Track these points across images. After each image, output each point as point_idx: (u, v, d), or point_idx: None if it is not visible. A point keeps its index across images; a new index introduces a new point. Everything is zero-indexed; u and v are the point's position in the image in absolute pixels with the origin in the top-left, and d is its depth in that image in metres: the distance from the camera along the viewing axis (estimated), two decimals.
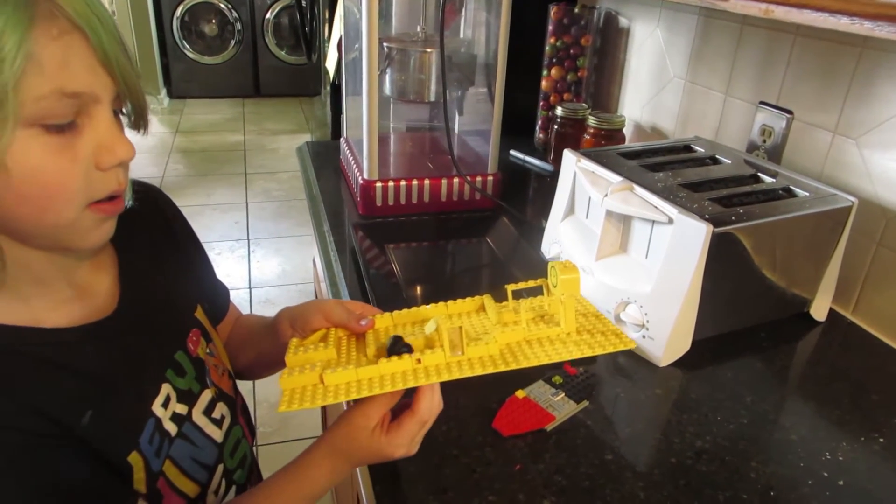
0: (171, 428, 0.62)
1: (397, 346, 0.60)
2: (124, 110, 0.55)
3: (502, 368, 0.57)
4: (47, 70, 0.46)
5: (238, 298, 2.68)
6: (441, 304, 0.70)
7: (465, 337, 0.59)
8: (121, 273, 0.63)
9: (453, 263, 1.14)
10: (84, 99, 0.49)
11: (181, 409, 0.63)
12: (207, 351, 0.70)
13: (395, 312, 0.69)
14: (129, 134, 0.56)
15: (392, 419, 0.60)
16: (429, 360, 0.59)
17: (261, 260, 3.02)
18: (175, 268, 0.71)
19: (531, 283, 0.67)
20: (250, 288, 2.77)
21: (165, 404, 0.61)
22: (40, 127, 0.47)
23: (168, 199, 0.75)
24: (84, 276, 0.59)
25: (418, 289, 1.05)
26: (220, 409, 0.69)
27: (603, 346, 0.60)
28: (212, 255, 3.02)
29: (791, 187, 0.89)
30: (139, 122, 0.56)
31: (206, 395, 0.67)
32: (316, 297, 1.92)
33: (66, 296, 0.57)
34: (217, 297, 0.81)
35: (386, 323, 0.69)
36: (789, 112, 1.02)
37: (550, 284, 0.64)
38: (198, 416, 0.65)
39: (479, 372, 0.57)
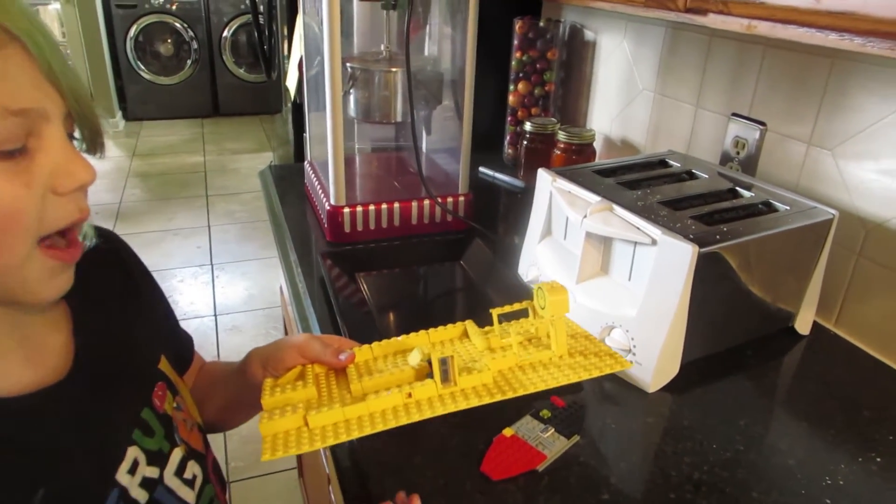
0: (141, 495, 0.56)
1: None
2: (76, 135, 0.50)
3: (498, 398, 0.54)
4: None
5: (203, 326, 2.59)
6: (422, 332, 0.66)
7: (457, 366, 0.55)
8: (75, 329, 0.57)
9: (428, 289, 1.10)
10: (32, 117, 0.44)
11: (151, 472, 0.57)
12: (175, 405, 0.64)
13: (375, 344, 0.65)
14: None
15: None
16: (420, 394, 0.55)
17: (226, 285, 2.93)
18: (135, 318, 0.65)
19: (516, 307, 0.64)
20: (216, 315, 2.68)
21: (132, 470, 0.55)
22: None
23: (125, 245, 0.69)
24: (36, 331, 0.53)
25: (393, 317, 1.00)
26: (192, 469, 0.63)
27: (599, 368, 0.57)
28: (174, 283, 2.93)
29: (770, 201, 0.87)
30: (95, 146, 0.51)
31: (177, 454, 0.61)
32: (284, 323, 1.86)
33: (15, 358, 0.51)
34: (181, 347, 0.75)
35: (366, 356, 0.65)
36: (762, 123, 1.01)
37: (537, 306, 0.61)
38: (170, 479, 0.59)
39: (473, 403, 0.54)
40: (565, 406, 0.75)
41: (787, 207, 0.85)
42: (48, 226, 0.47)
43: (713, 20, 0.65)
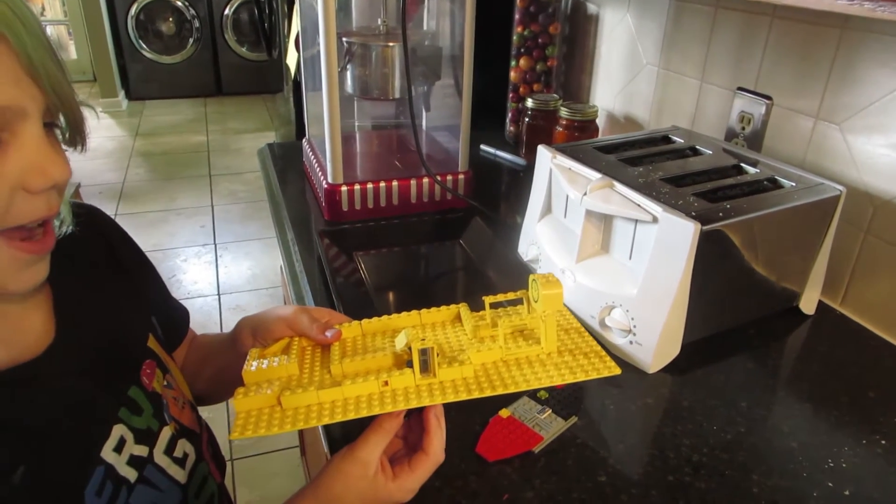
0: (130, 473, 0.55)
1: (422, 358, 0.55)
2: (58, 123, 0.48)
3: (476, 395, 0.53)
4: None
5: (207, 306, 2.59)
6: (414, 312, 0.65)
7: (438, 357, 0.54)
8: (55, 307, 0.56)
9: (426, 269, 1.09)
10: (8, 115, 0.43)
11: (140, 450, 0.57)
12: (165, 383, 0.64)
13: (365, 321, 0.64)
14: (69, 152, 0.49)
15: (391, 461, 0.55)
16: (397, 383, 0.54)
17: (229, 265, 2.92)
18: (119, 295, 0.64)
19: (511, 296, 0.62)
20: (219, 294, 2.68)
21: (119, 448, 0.55)
22: None
23: (111, 221, 0.68)
24: (14, 314, 0.52)
25: (390, 297, 0.99)
26: (183, 447, 0.62)
27: (586, 371, 0.55)
28: (178, 262, 2.92)
29: (776, 177, 0.85)
30: (76, 138, 0.50)
31: (166, 433, 0.61)
32: (285, 302, 1.85)
33: None
34: (173, 322, 0.74)
35: (354, 332, 0.64)
36: (768, 98, 0.98)
37: (531, 298, 0.59)
38: (159, 457, 0.59)
39: (450, 399, 0.53)
40: (563, 387, 0.74)
41: (793, 184, 0.83)
42: (12, 220, 0.45)
43: None
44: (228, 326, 2.54)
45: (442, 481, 0.62)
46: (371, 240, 1.09)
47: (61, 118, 0.48)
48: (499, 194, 1.31)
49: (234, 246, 3.09)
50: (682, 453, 0.66)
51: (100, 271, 0.63)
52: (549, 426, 0.68)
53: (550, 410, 0.70)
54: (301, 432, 1.67)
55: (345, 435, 0.69)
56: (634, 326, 0.77)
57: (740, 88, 1.03)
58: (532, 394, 0.73)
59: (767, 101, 0.98)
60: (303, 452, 1.75)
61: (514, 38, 1.44)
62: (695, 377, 0.78)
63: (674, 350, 0.78)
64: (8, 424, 0.48)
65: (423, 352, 0.53)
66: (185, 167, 3.97)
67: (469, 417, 0.69)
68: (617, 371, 0.55)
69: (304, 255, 1.03)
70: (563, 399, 0.72)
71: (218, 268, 2.90)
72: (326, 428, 0.71)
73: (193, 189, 3.67)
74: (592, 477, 0.63)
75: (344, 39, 1.10)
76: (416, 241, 1.11)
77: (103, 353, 0.58)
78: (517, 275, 0.96)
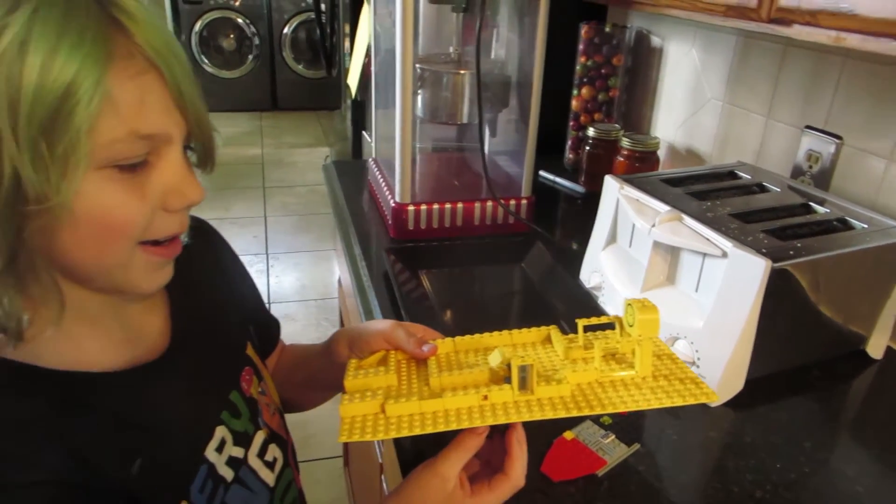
0: (227, 473, 0.58)
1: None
2: (192, 145, 0.53)
3: (574, 413, 0.53)
4: (123, 112, 0.44)
5: None
6: (505, 332, 0.66)
7: (536, 375, 0.55)
8: (171, 312, 0.60)
9: (489, 290, 1.11)
10: (157, 141, 0.47)
11: (237, 452, 0.60)
12: (259, 390, 0.67)
13: (458, 338, 0.66)
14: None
15: (472, 479, 0.56)
16: (496, 398, 0.55)
17: (279, 275, 3.00)
18: (226, 304, 0.68)
19: (604, 319, 0.62)
20: (269, 303, 2.75)
21: (220, 448, 0.58)
22: (112, 168, 0.45)
23: (218, 235, 0.73)
24: (135, 316, 0.57)
25: (455, 315, 1.02)
26: (273, 451, 0.65)
27: (682, 397, 0.54)
28: None
29: (846, 218, 0.85)
30: (206, 161, 0.54)
31: (260, 437, 0.64)
32: (340, 315, 1.90)
33: (117, 337, 0.55)
34: (267, 332, 0.78)
35: (447, 348, 0.66)
36: (838, 137, 0.98)
37: (626, 322, 0.59)
38: (252, 460, 0.62)
39: (549, 415, 0.54)
40: (626, 413, 0.75)
41: (865, 225, 0.83)
42: (150, 235, 0.50)
43: (798, 31, 0.64)
44: None
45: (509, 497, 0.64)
46: (435, 258, 1.12)
47: (194, 146, 0.52)
48: (556, 220, 1.33)
49: (285, 257, 3.17)
50: (745, 489, 0.67)
51: (209, 281, 0.67)
52: (613, 451, 0.70)
53: (614, 436, 0.72)
54: (346, 445, 1.70)
55: (417, 452, 0.71)
56: (698, 359, 0.78)
57: (808, 127, 1.03)
58: (596, 418, 0.74)
59: (837, 141, 0.98)
60: (346, 463, 1.78)
61: (578, 67, 1.46)
62: (757, 413, 0.78)
63: (737, 385, 0.79)
64: (130, 419, 0.52)
65: (523, 368, 0.54)
66: (240, 178, 4.09)
67: (534, 437, 0.70)
68: (715, 398, 0.54)
69: (369, 269, 1.06)
70: (627, 425, 0.74)
71: (269, 277, 2.98)
72: (398, 443, 0.73)
73: (248, 200, 3.78)
74: None
75: (417, 66, 1.15)
76: (479, 262, 1.13)
77: (211, 358, 0.62)
78: (579, 301, 0.98)
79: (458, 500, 0.54)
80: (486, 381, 0.58)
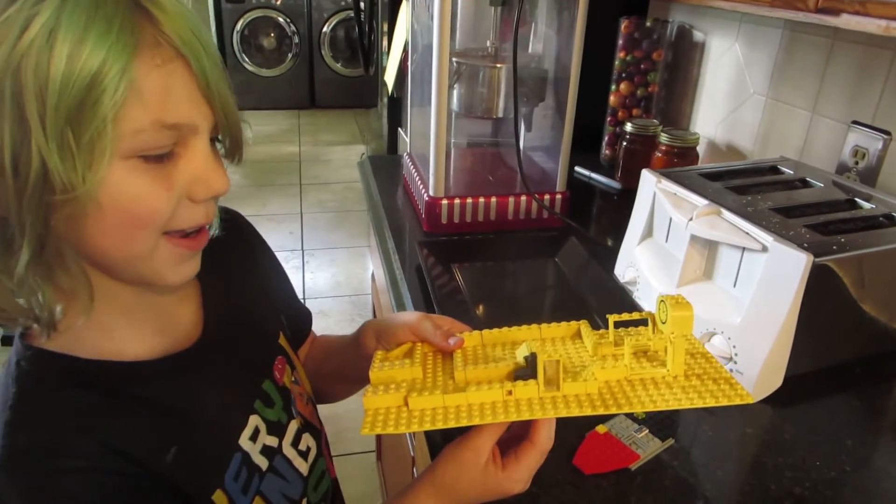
0: (262, 462, 0.59)
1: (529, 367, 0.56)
2: (220, 137, 0.53)
3: (601, 411, 0.52)
4: (148, 101, 0.44)
5: None
6: (534, 326, 0.66)
7: (563, 372, 0.55)
8: (204, 302, 0.61)
9: (522, 284, 1.11)
10: (183, 131, 0.47)
11: (271, 441, 0.61)
12: (292, 379, 0.68)
13: (486, 331, 0.65)
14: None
15: (501, 452, 0.56)
16: (520, 393, 0.54)
17: (315, 271, 3.04)
18: (258, 295, 0.69)
19: (636, 315, 0.61)
20: (304, 299, 2.79)
21: (254, 437, 0.59)
22: (138, 158, 0.45)
23: (250, 226, 0.73)
24: (168, 306, 0.58)
25: (488, 309, 1.02)
26: (307, 441, 0.66)
27: (715, 397, 0.52)
28: None
29: (893, 214, 0.82)
30: (234, 152, 0.54)
31: (293, 426, 0.65)
32: (373, 310, 1.91)
33: (150, 327, 0.55)
34: (299, 322, 0.79)
35: (475, 342, 0.65)
36: (887, 133, 0.96)
37: (658, 319, 0.58)
38: (287, 449, 0.63)
39: (574, 413, 0.53)
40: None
41: None
42: (175, 225, 0.50)
43: (846, 21, 0.63)
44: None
45: (539, 488, 0.64)
46: (468, 252, 1.12)
47: (221, 137, 0.52)
48: (591, 216, 1.32)
49: (320, 253, 3.21)
50: (784, 486, 0.65)
51: (241, 271, 0.68)
52: (646, 446, 0.69)
53: (647, 430, 0.71)
54: (379, 438, 1.71)
55: (444, 434, 0.71)
56: (736, 354, 0.77)
57: (855, 122, 1.00)
58: (629, 412, 0.73)
59: (886, 136, 0.95)
60: (378, 457, 1.79)
61: (616, 62, 1.45)
62: (797, 411, 0.76)
63: (776, 381, 0.77)
64: (164, 408, 0.53)
65: (549, 364, 0.54)
66: (277, 175, 4.16)
67: (566, 429, 0.70)
68: (750, 399, 0.52)
69: (402, 263, 1.07)
70: (661, 420, 0.73)
71: (304, 273, 3.02)
72: (428, 434, 0.73)
73: (284, 196, 3.84)
74: (690, 501, 0.63)
75: (454, 60, 1.15)
76: (513, 256, 1.13)
77: (243, 347, 0.62)
78: (613, 296, 0.97)
79: (491, 474, 0.54)
80: (510, 375, 0.57)
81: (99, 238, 0.47)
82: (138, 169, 0.45)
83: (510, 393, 0.54)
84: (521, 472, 0.55)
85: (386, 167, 1.53)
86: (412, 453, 1.08)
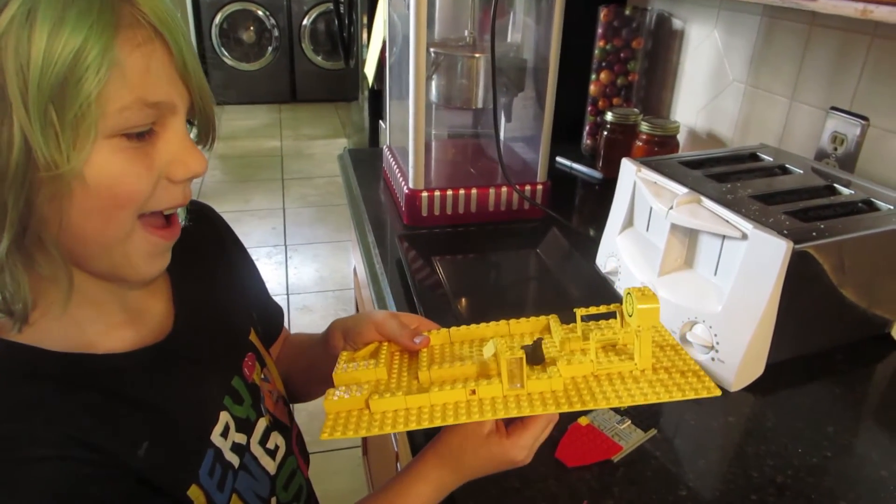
0: (234, 459, 0.58)
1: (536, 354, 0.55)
2: (194, 120, 0.53)
3: (565, 409, 0.52)
4: (130, 79, 0.44)
5: None
6: (502, 322, 0.65)
7: (527, 369, 0.54)
8: (174, 296, 0.60)
9: (503, 276, 1.10)
10: (162, 109, 0.47)
11: (240, 438, 0.60)
12: (262, 376, 0.67)
13: (453, 329, 0.65)
14: None
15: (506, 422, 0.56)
16: (484, 392, 0.54)
17: (298, 266, 3.01)
18: (229, 290, 0.68)
19: (603, 309, 0.60)
20: (287, 294, 2.77)
21: (225, 434, 0.58)
22: (120, 137, 0.45)
23: (221, 220, 0.72)
24: (137, 300, 0.57)
25: (469, 302, 1.01)
26: (275, 439, 0.65)
27: (682, 391, 0.52)
28: None
29: (872, 199, 0.82)
30: (206, 137, 0.54)
31: (262, 424, 0.64)
32: (356, 305, 1.90)
33: (120, 320, 0.55)
34: (270, 318, 0.78)
35: (442, 339, 0.65)
36: (864, 118, 0.96)
37: (626, 312, 0.57)
38: (254, 447, 0.62)
39: (538, 411, 0.52)
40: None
41: (891, 207, 0.80)
42: (153, 206, 0.50)
43: (823, 5, 0.62)
44: (296, 326, 2.62)
45: (521, 483, 0.63)
46: (449, 245, 1.11)
47: (196, 120, 0.52)
48: (573, 206, 1.31)
49: (303, 248, 3.18)
50: (766, 474, 0.65)
51: (211, 265, 0.67)
52: (629, 437, 0.68)
53: (630, 421, 0.70)
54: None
55: (428, 438, 0.70)
56: (717, 343, 0.76)
57: (834, 108, 1.00)
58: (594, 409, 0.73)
59: (863, 122, 0.95)
60: (364, 453, 1.78)
61: (596, 51, 1.44)
62: (779, 398, 0.76)
63: (757, 369, 0.77)
64: (135, 402, 0.52)
65: (512, 361, 0.53)
66: (259, 170, 4.12)
67: None
68: (717, 392, 0.52)
69: (383, 257, 1.06)
70: (643, 411, 0.72)
71: (288, 269, 2.99)
72: (410, 433, 0.73)
73: (267, 192, 3.80)
74: (673, 491, 0.63)
75: (431, 50, 1.13)
76: (494, 248, 1.12)
77: (214, 342, 0.61)
78: (594, 286, 0.97)
79: (496, 442, 0.55)
80: (476, 374, 0.57)
81: (80, 220, 0.46)
82: (121, 148, 0.45)
83: (473, 392, 0.53)
84: (527, 439, 0.55)
85: (366, 160, 1.51)
86: (395, 448, 1.07)
